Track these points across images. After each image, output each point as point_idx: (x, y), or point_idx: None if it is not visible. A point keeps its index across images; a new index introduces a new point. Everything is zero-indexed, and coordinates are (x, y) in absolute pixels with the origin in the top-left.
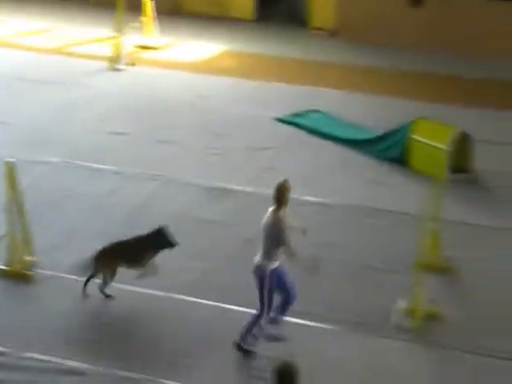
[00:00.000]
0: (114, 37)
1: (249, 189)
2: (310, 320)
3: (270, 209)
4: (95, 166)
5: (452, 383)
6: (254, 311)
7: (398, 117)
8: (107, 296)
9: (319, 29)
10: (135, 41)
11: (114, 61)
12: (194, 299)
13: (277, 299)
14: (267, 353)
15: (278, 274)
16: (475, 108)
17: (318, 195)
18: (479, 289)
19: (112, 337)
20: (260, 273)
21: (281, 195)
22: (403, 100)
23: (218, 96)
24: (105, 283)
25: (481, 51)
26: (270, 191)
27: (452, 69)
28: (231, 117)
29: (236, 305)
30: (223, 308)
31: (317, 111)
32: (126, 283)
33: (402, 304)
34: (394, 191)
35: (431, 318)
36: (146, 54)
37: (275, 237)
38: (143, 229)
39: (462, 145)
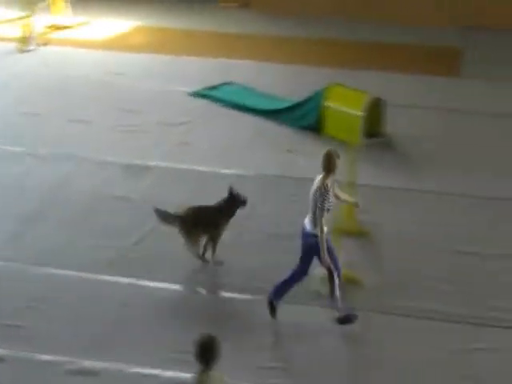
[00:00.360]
0: (23, 17)
1: (165, 164)
2: (228, 291)
3: (319, 176)
4: (8, 148)
5: (370, 345)
6: (174, 286)
7: (311, 85)
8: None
9: (231, 1)
10: (47, 21)
11: (25, 42)
12: (111, 278)
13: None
14: (188, 328)
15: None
16: (387, 72)
17: (235, 167)
18: (395, 251)
19: (30, 320)
20: (310, 241)
21: (329, 163)
22: (316, 68)
23: (130, 72)
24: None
25: (391, 17)
26: (187, 166)
27: (363, 35)
28: (144, 93)
29: (155, 281)
30: (141, 285)
31: (231, 83)
32: (40, 265)
33: (318, 270)
34: (310, 159)
35: (349, 282)
36: (59, 34)
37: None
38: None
39: (375, 110)
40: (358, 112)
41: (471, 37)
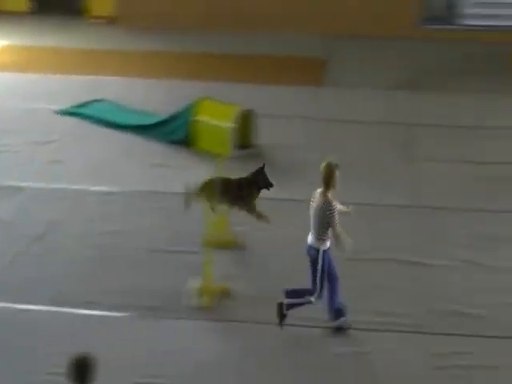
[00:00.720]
0: None
1: (36, 184)
2: (102, 310)
3: (318, 190)
4: None
5: (247, 356)
6: (45, 307)
7: (184, 99)
8: None
9: (98, 17)
10: None
11: None
12: None
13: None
14: (62, 349)
15: (329, 256)
16: (258, 84)
17: (106, 184)
18: (271, 262)
19: None
20: (313, 254)
21: (329, 177)
22: (189, 82)
23: None
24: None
25: (260, 29)
26: (59, 185)
27: (233, 47)
28: (11, 112)
29: (27, 303)
30: (12, 308)
31: (101, 100)
32: None
33: (194, 284)
34: (181, 173)
35: (225, 294)
36: None
37: (324, 219)
38: None
39: (246, 121)
40: (227, 124)
41: (334, 46)
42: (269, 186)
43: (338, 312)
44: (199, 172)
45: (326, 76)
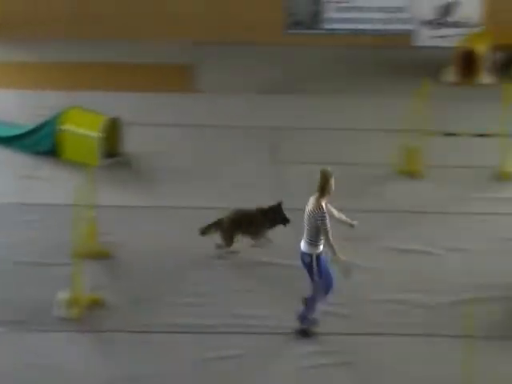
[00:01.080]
0: None
1: None
2: None
3: (313, 196)
4: None
5: (124, 365)
6: None
7: (48, 109)
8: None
9: None
10: None
11: None
12: None
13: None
14: None
15: (323, 260)
16: (123, 92)
17: None
18: (141, 270)
19: None
20: (307, 260)
21: (324, 183)
22: (55, 92)
23: None
24: (220, 247)
25: (124, 35)
26: None
27: (97, 56)
28: None
29: None
30: None
31: None
32: None
33: (62, 295)
34: (48, 184)
35: (95, 304)
36: None
37: (315, 224)
38: None
39: (113, 130)
40: (94, 133)
41: (203, 53)
42: (285, 222)
43: (302, 318)
44: (67, 182)
45: (195, 82)
